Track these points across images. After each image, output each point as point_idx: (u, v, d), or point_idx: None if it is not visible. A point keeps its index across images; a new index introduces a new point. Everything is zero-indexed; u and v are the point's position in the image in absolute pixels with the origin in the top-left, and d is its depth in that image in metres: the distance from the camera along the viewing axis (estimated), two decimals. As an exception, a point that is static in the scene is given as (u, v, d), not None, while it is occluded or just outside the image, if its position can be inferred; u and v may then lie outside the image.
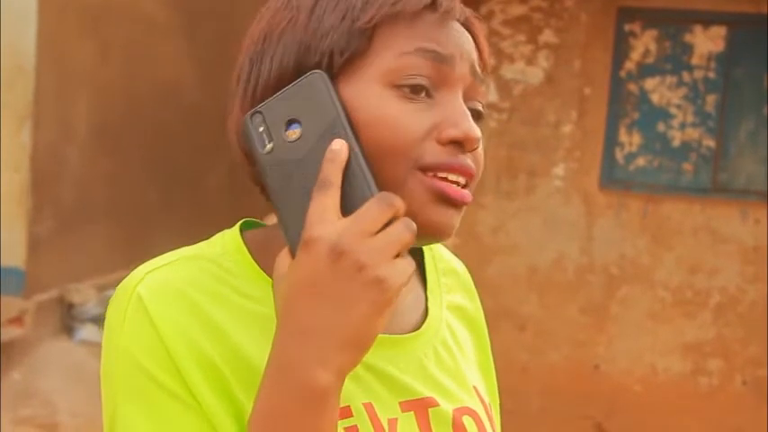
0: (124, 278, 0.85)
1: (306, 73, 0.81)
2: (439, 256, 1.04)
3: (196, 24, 6.46)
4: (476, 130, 0.82)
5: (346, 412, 0.84)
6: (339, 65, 0.81)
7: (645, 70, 5.53)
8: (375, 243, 0.73)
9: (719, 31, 5.44)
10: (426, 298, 1.00)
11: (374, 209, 0.74)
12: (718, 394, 5.46)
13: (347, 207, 0.76)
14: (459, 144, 0.82)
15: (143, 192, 6.03)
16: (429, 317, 0.97)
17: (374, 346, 0.76)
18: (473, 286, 1.08)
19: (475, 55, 0.86)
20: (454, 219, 0.83)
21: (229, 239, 0.89)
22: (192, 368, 0.80)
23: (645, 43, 5.52)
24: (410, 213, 0.77)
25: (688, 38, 5.48)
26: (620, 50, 5.52)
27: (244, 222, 0.92)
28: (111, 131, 5.60)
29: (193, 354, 0.80)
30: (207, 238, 0.92)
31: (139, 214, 5.99)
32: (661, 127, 5.54)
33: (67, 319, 5.21)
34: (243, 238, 0.89)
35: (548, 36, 5.54)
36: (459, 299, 1.04)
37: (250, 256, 0.88)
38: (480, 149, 0.86)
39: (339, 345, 0.73)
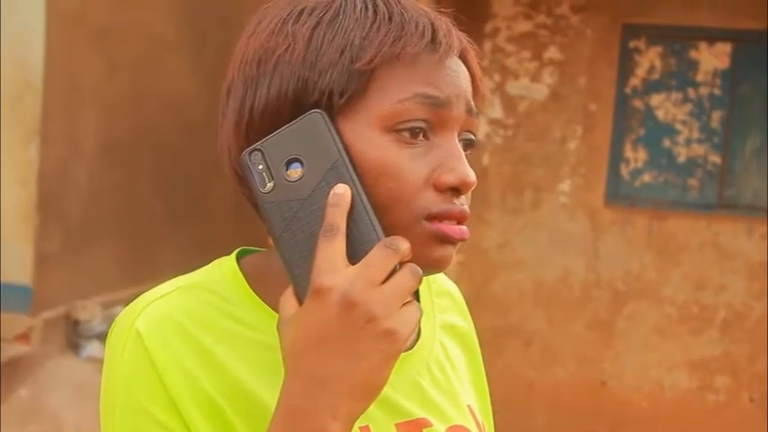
0: (130, 298, 0.86)
1: (305, 108, 0.81)
2: (432, 277, 1.04)
3: (203, 41, 6.49)
4: (471, 175, 0.83)
5: None
6: (338, 105, 0.81)
7: (650, 86, 5.54)
8: (384, 292, 0.75)
9: (725, 48, 5.44)
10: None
11: (381, 256, 0.76)
12: (725, 411, 5.44)
13: (353, 251, 0.77)
14: (456, 189, 0.83)
15: (150, 208, 6.04)
16: (422, 336, 0.97)
17: None
18: (466, 307, 1.09)
19: (470, 90, 0.87)
20: (452, 252, 0.85)
21: (226, 266, 0.90)
22: (191, 405, 0.81)
23: (650, 60, 5.53)
24: (413, 254, 0.78)
25: (693, 54, 5.49)
26: (626, 67, 5.53)
27: (241, 250, 0.93)
28: (119, 147, 5.61)
29: (191, 390, 0.81)
30: (213, 256, 0.93)
31: (146, 231, 6.00)
32: (666, 143, 5.54)
33: (73, 336, 5.21)
34: (239, 264, 0.90)
35: (553, 53, 5.56)
36: (452, 318, 1.05)
37: (247, 284, 0.88)
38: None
39: (350, 394, 0.75)
